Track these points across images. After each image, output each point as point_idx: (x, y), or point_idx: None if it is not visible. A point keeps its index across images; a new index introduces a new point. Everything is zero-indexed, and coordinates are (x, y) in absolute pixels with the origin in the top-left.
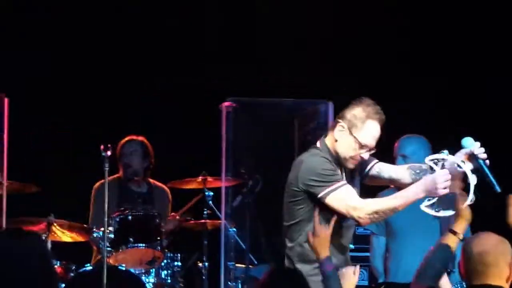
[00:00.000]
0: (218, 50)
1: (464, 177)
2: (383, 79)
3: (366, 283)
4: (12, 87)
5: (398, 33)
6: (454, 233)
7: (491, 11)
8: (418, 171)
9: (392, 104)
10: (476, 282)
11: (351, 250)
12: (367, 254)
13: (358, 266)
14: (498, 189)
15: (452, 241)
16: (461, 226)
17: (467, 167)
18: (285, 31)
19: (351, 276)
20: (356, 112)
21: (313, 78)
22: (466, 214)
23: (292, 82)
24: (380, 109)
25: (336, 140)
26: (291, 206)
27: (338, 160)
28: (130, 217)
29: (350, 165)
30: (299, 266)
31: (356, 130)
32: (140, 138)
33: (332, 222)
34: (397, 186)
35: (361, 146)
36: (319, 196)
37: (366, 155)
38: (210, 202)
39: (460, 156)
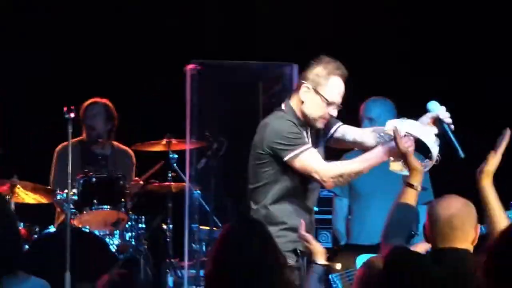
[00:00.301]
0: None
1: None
2: (383, 79)
3: (329, 245)
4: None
5: (398, 33)
6: (411, 186)
7: (491, 10)
8: (382, 134)
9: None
10: (442, 245)
11: (315, 213)
12: (331, 216)
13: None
14: (461, 154)
15: (411, 195)
16: (416, 178)
17: (431, 130)
18: (285, 32)
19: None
20: (317, 71)
21: None
22: (418, 165)
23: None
24: (341, 64)
25: (302, 102)
26: (256, 168)
27: (304, 123)
28: (94, 179)
29: (320, 124)
30: None
31: (321, 88)
32: (104, 100)
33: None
34: (362, 149)
35: (329, 104)
36: (285, 159)
37: (334, 112)
38: (175, 164)
39: (425, 120)
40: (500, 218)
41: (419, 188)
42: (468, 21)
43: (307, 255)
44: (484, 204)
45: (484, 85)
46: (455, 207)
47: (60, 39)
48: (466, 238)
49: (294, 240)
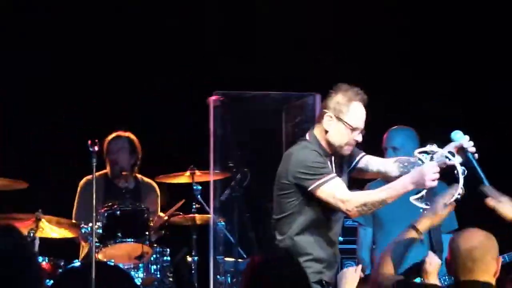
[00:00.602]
0: (218, 50)
1: (453, 170)
2: (385, 82)
3: None
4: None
5: (398, 35)
6: (416, 229)
7: (492, 15)
8: (406, 163)
9: (393, 106)
10: (464, 277)
11: (340, 243)
12: (355, 246)
13: (360, 266)
14: (486, 183)
15: (412, 235)
16: (424, 225)
17: (457, 160)
18: (285, 32)
19: (352, 274)
20: (338, 99)
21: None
22: (438, 216)
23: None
24: (359, 90)
25: (326, 131)
26: (281, 199)
27: (327, 152)
28: (118, 212)
29: (346, 151)
30: None
31: (343, 115)
32: (127, 134)
33: None
34: (385, 179)
35: (352, 129)
36: (309, 189)
37: (359, 137)
38: (199, 196)
39: (449, 149)
40: None
41: (422, 237)
42: (470, 25)
43: (333, 286)
44: None
45: (487, 88)
46: (477, 239)
47: (60, 39)
48: (487, 271)
49: (319, 271)
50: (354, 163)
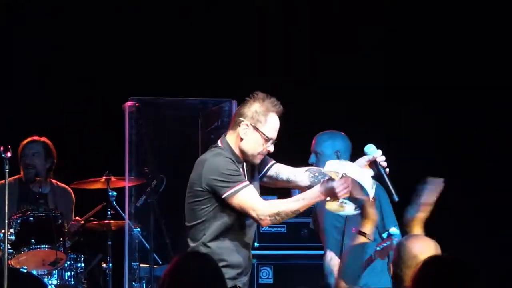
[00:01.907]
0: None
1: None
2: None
3: (270, 281)
4: None
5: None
6: (364, 234)
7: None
8: (317, 173)
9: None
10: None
11: (256, 249)
12: (272, 252)
13: None
14: (395, 197)
15: (363, 241)
16: (368, 227)
17: (369, 173)
18: (203, 38)
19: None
20: (255, 108)
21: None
22: (372, 215)
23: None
24: (276, 100)
25: (241, 139)
26: (194, 206)
27: (240, 159)
28: (31, 218)
29: (258, 160)
30: None
31: (261, 125)
32: (42, 138)
33: None
34: (295, 188)
35: (267, 140)
36: (223, 196)
37: (271, 148)
38: (114, 202)
39: (362, 162)
40: None
41: (371, 238)
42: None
43: None
44: None
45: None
46: (433, 249)
47: None
48: None
49: (234, 277)
50: (264, 170)
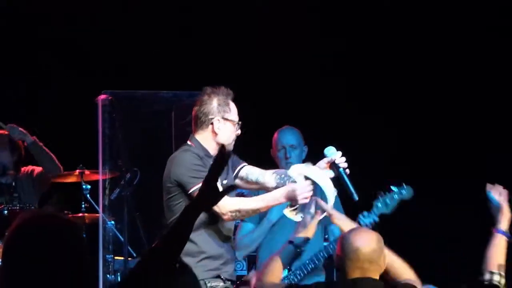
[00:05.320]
0: (108, 48)
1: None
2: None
3: (245, 273)
4: None
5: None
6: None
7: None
8: (283, 175)
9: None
10: (356, 275)
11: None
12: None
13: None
14: (355, 197)
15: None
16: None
17: (328, 174)
18: (176, 31)
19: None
20: (216, 102)
21: None
22: (310, 227)
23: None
24: (224, 87)
25: (216, 134)
26: (169, 203)
27: (210, 154)
28: (5, 212)
29: (231, 147)
30: (184, 259)
31: (228, 114)
32: (6, 132)
33: None
34: (263, 189)
35: (236, 125)
36: (189, 192)
37: (239, 131)
38: (88, 195)
39: (322, 165)
40: None
41: (302, 248)
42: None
43: (231, 281)
44: None
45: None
46: (374, 241)
47: None
48: (380, 270)
49: (217, 268)
50: (236, 171)
